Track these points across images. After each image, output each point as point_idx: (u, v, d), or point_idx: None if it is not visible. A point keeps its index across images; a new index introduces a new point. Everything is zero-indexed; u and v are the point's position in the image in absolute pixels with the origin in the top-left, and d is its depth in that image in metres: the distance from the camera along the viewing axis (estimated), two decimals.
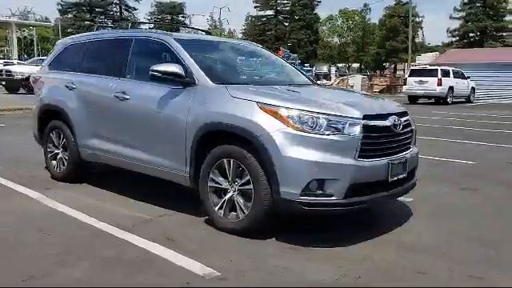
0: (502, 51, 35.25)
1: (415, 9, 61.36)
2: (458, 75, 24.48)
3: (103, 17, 71.43)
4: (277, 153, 3.62)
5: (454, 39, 62.22)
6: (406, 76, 24.89)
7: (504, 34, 60.28)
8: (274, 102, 3.80)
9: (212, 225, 4.17)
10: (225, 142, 4.02)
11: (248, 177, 3.84)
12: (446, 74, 23.34)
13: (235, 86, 4.23)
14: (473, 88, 25.97)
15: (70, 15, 70.48)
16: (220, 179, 4.08)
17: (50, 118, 5.92)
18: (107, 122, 5.07)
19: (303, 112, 3.69)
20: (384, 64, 68.63)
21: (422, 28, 65.33)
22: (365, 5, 71.67)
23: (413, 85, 23.38)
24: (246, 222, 3.88)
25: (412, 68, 26.67)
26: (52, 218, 4.42)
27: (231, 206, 4.03)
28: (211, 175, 4.11)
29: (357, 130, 3.68)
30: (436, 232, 4.23)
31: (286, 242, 3.85)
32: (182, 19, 75.88)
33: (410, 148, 4.28)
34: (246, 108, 3.86)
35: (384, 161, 3.86)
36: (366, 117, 3.76)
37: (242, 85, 4.42)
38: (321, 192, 3.62)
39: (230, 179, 4.00)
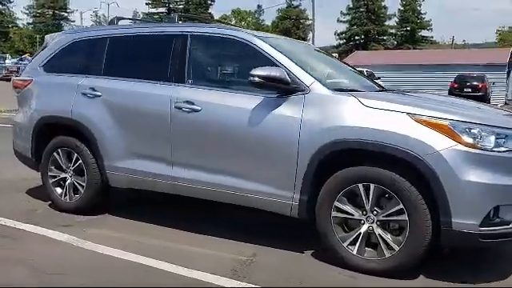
0: (406, 53, 38.19)
1: (305, 12, 64.15)
2: (371, 76, 25.63)
3: None
4: (450, 176, 3.01)
5: (341, 42, 65.59)
6: None
7: (385, 37, 65.17)
8: (432, 112, 3.17)
9: (333, 262, 3.44)
10: (357, 162, 3.31)
11: (399, 206, 3.17)
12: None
13: (364, 94, 3.54)
14: None
15: None
16: (349, 208, 3.36)
17: (53, 134, 4.64)
18: (163, 139, 3.99)
19: (471, 125, 3.11)
20: None
21: (311, 31, 67.92)
22: (258, 6, 72.74)
23: None
24: (396, 260, 3.21)
25: None
26: (127, 270, 3.37)
27: (366, 240, 3.34)
28: (337, 203, 3.37)
29: None
30: None
31: (435, 278, 3.27)
32: (66, 14, 70.61)
33: None
34: (394, 121, 3.19)
35: None
36: None
37: (370, 93, 3.72)
38: (499, 220, 3.08)
39: (367, 208, 3.30)
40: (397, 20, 64.15)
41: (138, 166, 4.16)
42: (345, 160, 3.35)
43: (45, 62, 4.85)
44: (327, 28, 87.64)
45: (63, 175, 4.62)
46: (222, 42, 4.01)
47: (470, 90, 22.49)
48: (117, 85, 4.29)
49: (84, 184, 4.48)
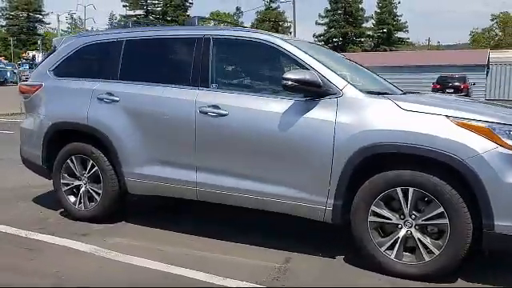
0: (386, 55, 38.72)
1: (284, 14, 64.53)
2: None
3: None
4: (493, 179, 3.00)
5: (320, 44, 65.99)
6: None
7: (362, 39, 65.90)
8: (470, 115, 3.16)
9: (366, 266, 3.40)
10: (396, 166, 3.27)
11: (440, 209, 3.15)
12: None
13: (399, 97, 3.51)
14: None
15: None
16: (386, 212, 3.32)
17: (66, 141, 4.48)
18: (187, 144, 3.87)
19: (510, 127, 3.10)
20: None
21: (290, 33, 68.26)
22: (237, 8, 72.73)
23: None
24: (438, 264, 3.18)
25: None
26: (163, 281, 3.25)
27: (404, 245, 3.30)
28: (373, 208, 3.33)
29: None
30: None
31: (474, 281, 3.25)
32: (41, 17, 69.35)
33: None
34: (434, 124, 3.16)
35: None
36: None
37: (403, 96, 3.69)
38: None
39: (405, 212, 3.26)
40: (374, 22, 64.96)
41: (159, 172, 4.04)
42: (380, 164, 3.31)
43: (55, 66, 4.67)
44: (306, 30, 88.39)
45: (77, 183, 4.47)
46: (247, 46, 3.91)
47: (452, 90, 22.88)
48: (136, 89, 4.16)
49: (100, 191, 4.34)
